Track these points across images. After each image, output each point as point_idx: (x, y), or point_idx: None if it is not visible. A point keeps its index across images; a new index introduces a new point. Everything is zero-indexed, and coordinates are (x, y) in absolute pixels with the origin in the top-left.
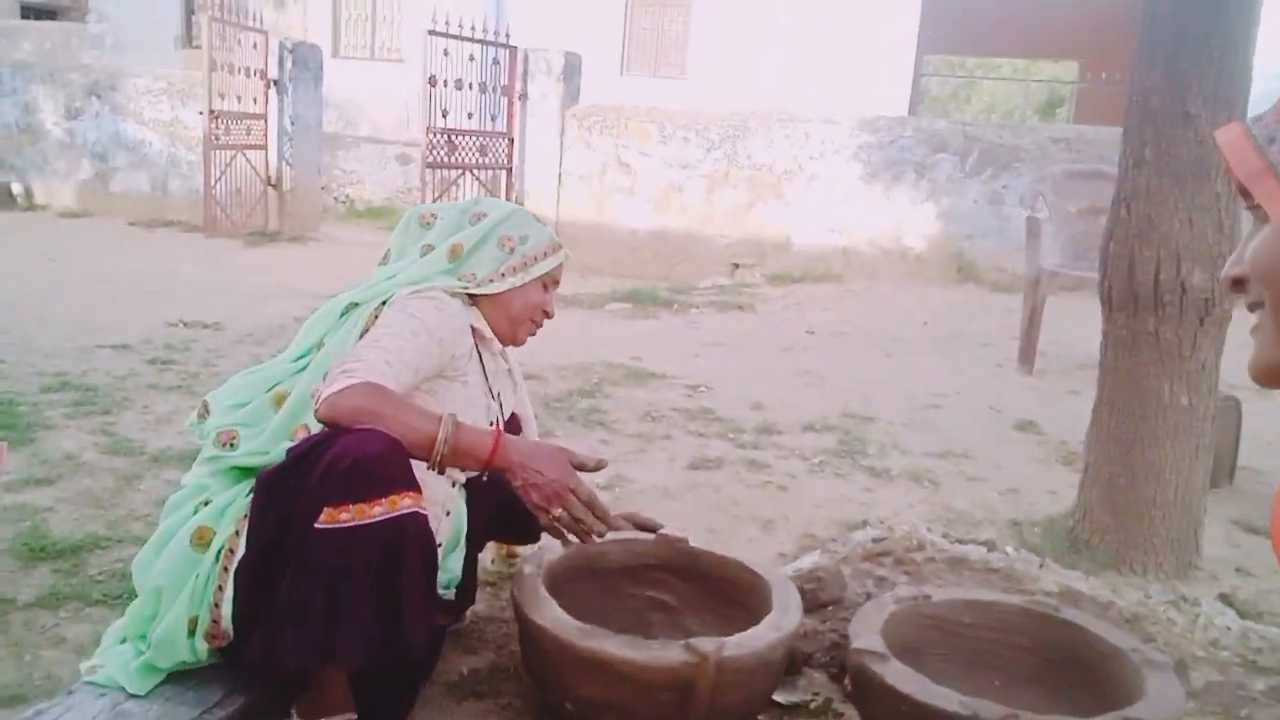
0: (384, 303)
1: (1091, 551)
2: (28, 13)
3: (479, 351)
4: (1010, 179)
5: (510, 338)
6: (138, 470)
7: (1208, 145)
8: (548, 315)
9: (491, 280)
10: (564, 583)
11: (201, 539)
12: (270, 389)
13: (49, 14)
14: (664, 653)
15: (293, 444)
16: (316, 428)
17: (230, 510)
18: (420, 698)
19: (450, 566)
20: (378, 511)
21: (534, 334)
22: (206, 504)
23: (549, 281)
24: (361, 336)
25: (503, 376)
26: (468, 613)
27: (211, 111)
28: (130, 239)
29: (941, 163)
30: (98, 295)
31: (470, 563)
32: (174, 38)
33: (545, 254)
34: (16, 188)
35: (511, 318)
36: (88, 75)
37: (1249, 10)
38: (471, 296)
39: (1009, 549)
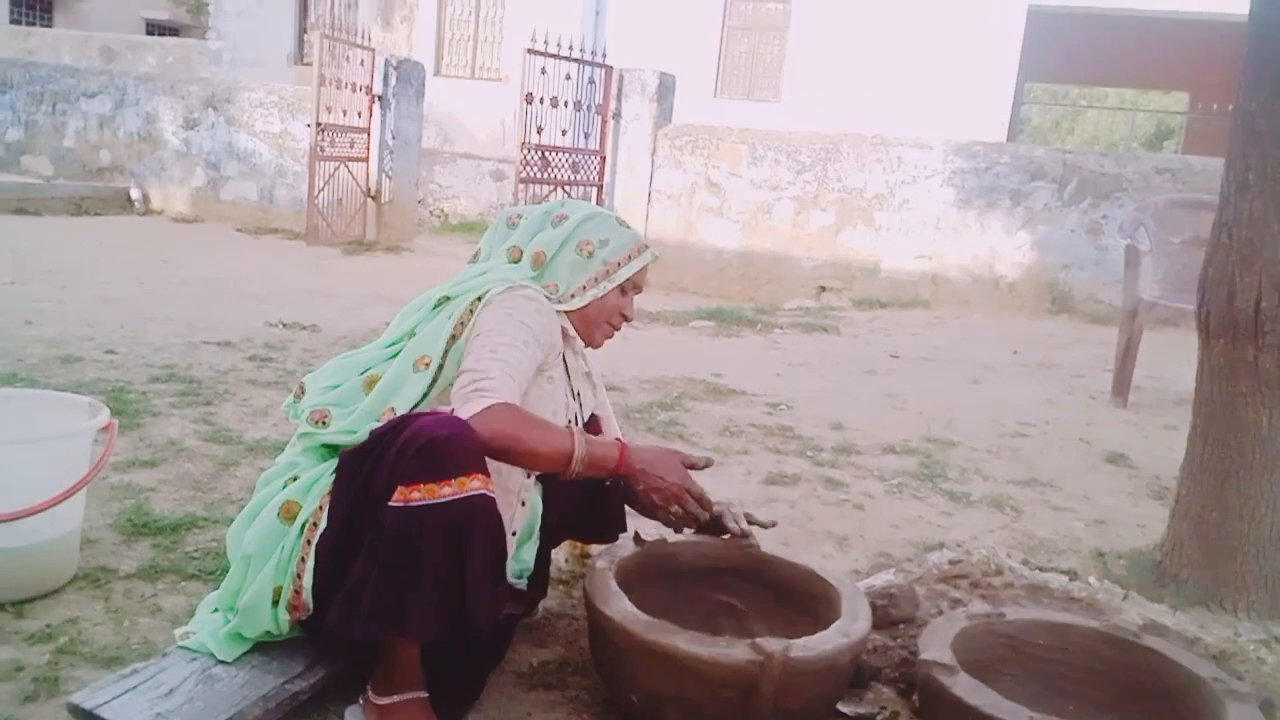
0: (479, 298)
1: (1179, 586)
2: (152, 29)
3: (563, 351)
4: (1110, 209)
5: (587, 340)
6: (235, 458)
7: None
8: (626, 319)
9: (574, 296)
10: (635, 580)
11: (288, 513)
12: (363, 372)
13: (172, 31)
14: (730, 650)
15: (378, 424)
16: (403, 410)
17: (316, 486)
18: (490, 685)
19: (523, 557)
20: (447, 492)
21: (611, 337)
22: (295, 479)
23: (629, 286)
24: (455, 331)
25: (582, 377)
26: (539, 606)
27: (318, 124)
28: (237, 244)
29: (1038, 191)
30: (205, 296)
31: (544, 556)
32: (287, 54)
33: (629, 258)
34: (135, 193)
35: (589, 320)
36: (205, 88)
37: None
38: None
39: (1092, 579)
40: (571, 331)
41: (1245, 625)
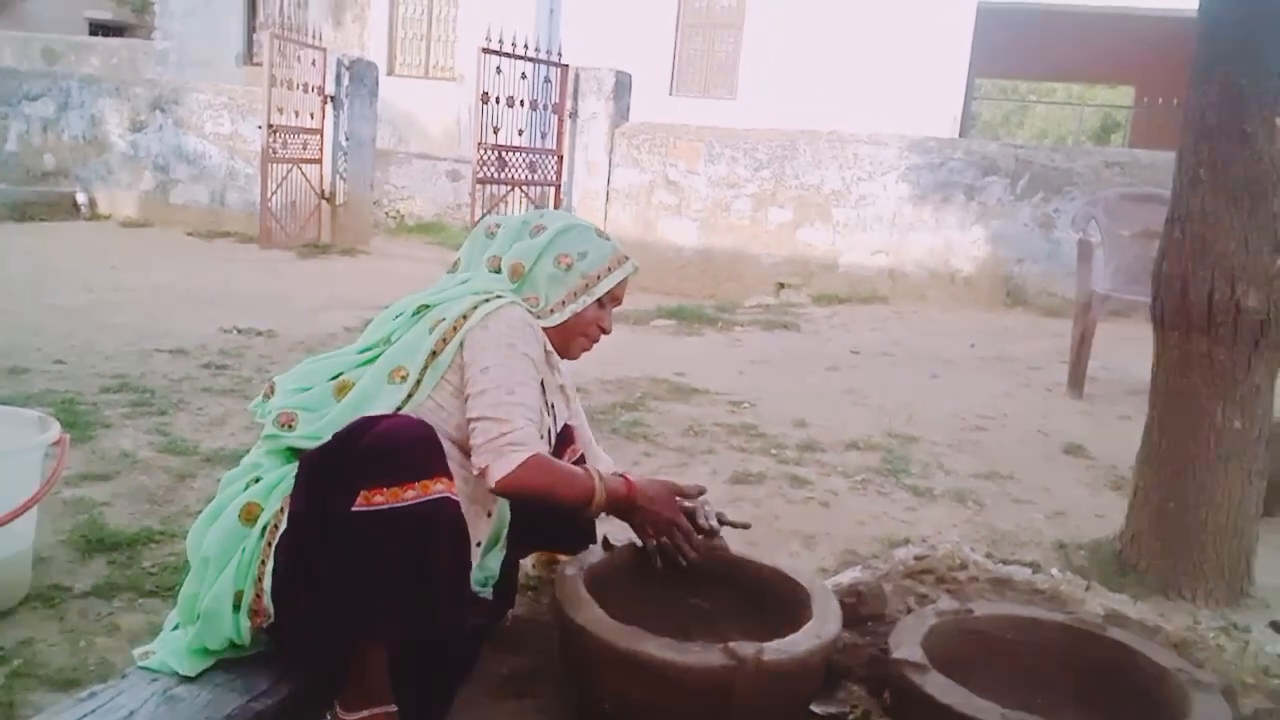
0: (464, 316)
1: (1139, 576)
2: (96, 29)
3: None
4: (1062, 203)
5: (564, 353)
6: (191, 469)
7: (1265, 164)
8: (604, 331)
9: (554, 311)
10: (605, 586)
11: (249, 515)
12: (334, 377)
13: (116, 31)
14: (704, 655)
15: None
16: None
17: (279, 489)
18: (460, 697)
19: (489, 565)
20: (410, 495)
21: (589, 349)
22: (257, 481)
23: (607, 299)
24: (436, 347)
25: (556, 390)
26: (508, 615)
27: (270, 126)
28: (188, 249)
29: (991, 185)
30: (157, 302)
31: (510, 565)
32: (236, 55)
33: (608, 270)
34: (81, 198)
35: (566, 333)
36: (152, 90)
37: None
38: None
39: (1054, 571)
40: (549, 346)
41: (1204, 614)
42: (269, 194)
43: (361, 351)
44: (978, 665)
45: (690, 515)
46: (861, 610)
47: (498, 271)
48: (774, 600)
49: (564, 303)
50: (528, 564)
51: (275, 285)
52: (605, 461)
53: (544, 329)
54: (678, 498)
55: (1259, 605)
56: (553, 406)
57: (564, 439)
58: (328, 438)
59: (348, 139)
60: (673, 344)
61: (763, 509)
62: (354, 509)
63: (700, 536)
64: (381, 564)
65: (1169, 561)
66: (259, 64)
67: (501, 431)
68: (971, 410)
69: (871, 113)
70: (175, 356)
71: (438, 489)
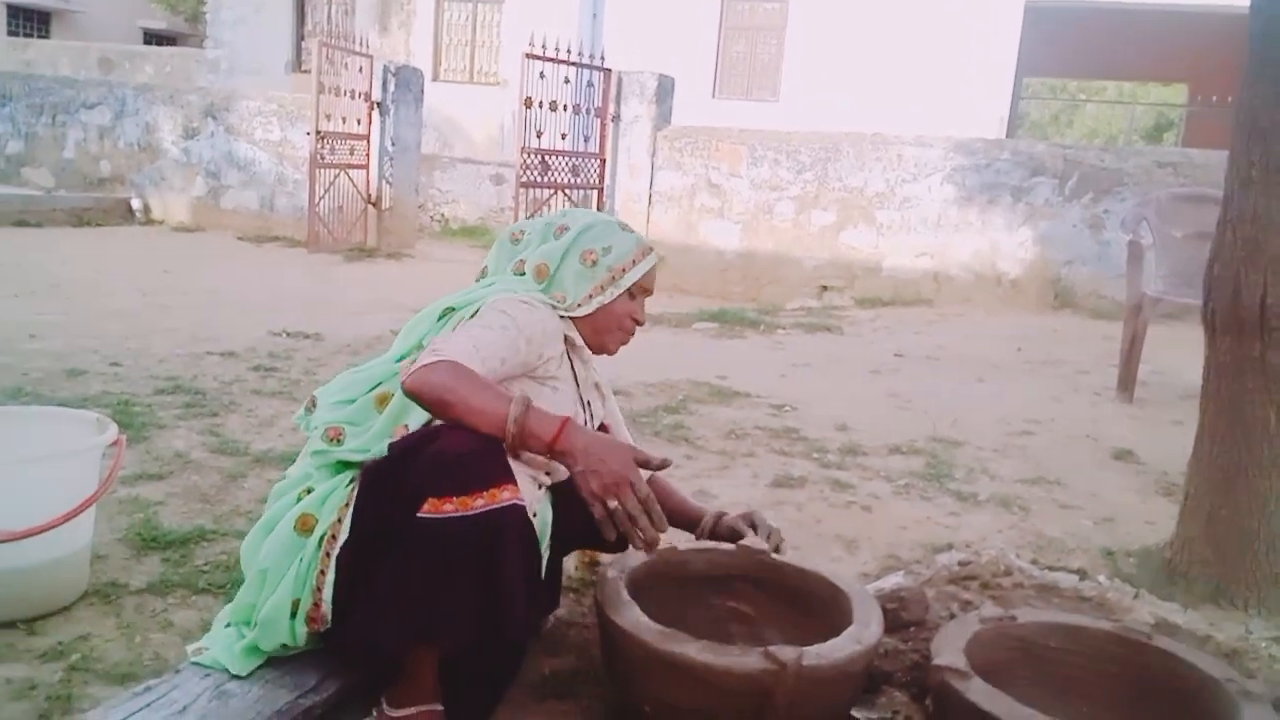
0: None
1: (1189, 584)
2: (150, 39)
3: (571, 358)
4: (1112, 204)
5: (600, 347)
6: (242, 469)
7: None
8: (638, 323)
9: (580, 305)
10: (646, 589)
11: (305, 525)
12: (373, 388)
13: (169, 40)
14: (743, 659)
15: (393, 440)
16: (416, 427)
17: (332, 498)
18: (502, 697)
19: None
20: (479, 504)
21: (625, 343)
22: (309, 492)
23: (637, 290)
24: None
25: (591, 387)
26: (550, 617)
27: (318, 132)
28: (238, 253)
29: (1039, 186)
30: (208, 305)
31: (554, 567)
32: (285, 62)
33: (633, 262)
34: (136, 203)
35: (599, 328)
36: (204, 97)
37: None
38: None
39: (1102, 578)
40: (579, 341)
41: (1256, 623)
42: (317, 199)
43: (398, 360)
44: (1021, 673)
45: (747, 520)
46: (903, 616)
47: (523, 275)
48: (815, 605)
49: (591, 295)
50: (569, 566)
51: (322, 289)
52: None
53: (576, 323)
54: (637, 463)
55: None
56: (589, 404)
57: None
58: (375, 449)
59: (393, 144)
60: (715, 347)
61: (804, 513)
62: (421, 514)
63: (759, 547)
64: (451, 571)
65: (1220, 569)
66: (307, 71)
67: (433, 346)
68: (1018, 414)
69: (917, 114)
70: (226, 359)
71: (505, 496)
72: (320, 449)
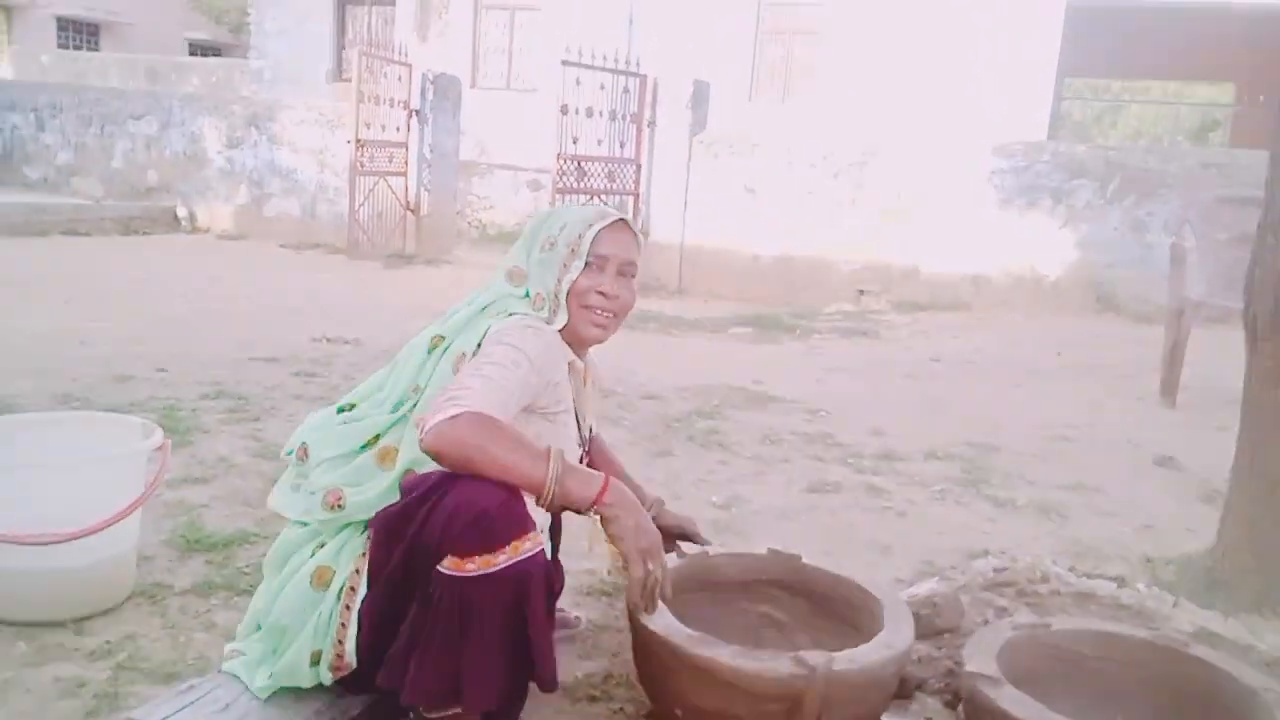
0: (479, 345)
1: (1231, 592)
2: (195, 50)
3: (571, 386)
4: (1155, 206)
5: (581, 338)
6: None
7: None
8: (604, 295)
9: (557, 295)
10: (678, 594)
11: (322, 579)
12: (371, 442)
13: (214, 51)
14: (774, 664)
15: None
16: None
17: (347, 550)
18: (535, 697)
19: None
20: (502, 560)
21: (603, 324)
22: (322, 545)
23: (599, 260)
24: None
25: (584, 399)
26: (583, 620)
27: (358, 140)
28: (281, 260)
29: (1080, 189)
30: (251, 312)
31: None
32: (326, 71)
33: (588, 227)
34: (181, 211)
35: (572, 319)
36: (248, 107)
37: None
38: None
39: (1140, 586)
40: (572, 355)
41: None
42: (357, 206)
43: (394, 410)
44: (1055, 681)
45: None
46: (937, 622)
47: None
48: (847, 610)
49: (559, 280)
50: (603, 570)
51: (362, 295)
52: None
53: (562, 335)
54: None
55: None
56: (583, 417)
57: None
58: (383, 506)
59: (431, 151)
60: (750, 352)
61: (839, 519)
62: (446, 571)
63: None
64: (479, 630)
65: (1263, 578)
66: (348, 80)
67: (450, 393)
68: (1057, 419)
69: (955, 116)
70: (268, 364)
71: (526, 547)
72: (325, 517)
